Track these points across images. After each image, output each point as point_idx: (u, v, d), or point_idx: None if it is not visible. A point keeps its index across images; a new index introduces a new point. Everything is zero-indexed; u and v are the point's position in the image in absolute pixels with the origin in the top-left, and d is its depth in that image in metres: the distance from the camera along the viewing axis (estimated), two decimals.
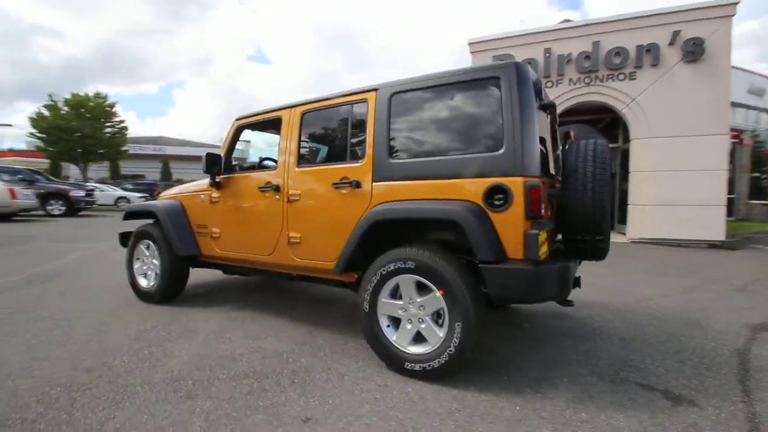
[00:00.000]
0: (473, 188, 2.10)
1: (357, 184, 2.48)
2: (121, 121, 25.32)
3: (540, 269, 1.94)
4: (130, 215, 4.01)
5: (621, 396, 2.09)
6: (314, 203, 2.71)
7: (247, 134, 3.45)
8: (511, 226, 2.01)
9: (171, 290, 3.67)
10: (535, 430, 1.78)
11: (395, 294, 2.34)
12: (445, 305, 2.12)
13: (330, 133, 2.81)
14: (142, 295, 3.75)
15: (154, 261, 3.72)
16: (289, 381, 2.21)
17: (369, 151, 2.47)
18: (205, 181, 3.63)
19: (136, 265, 3.87)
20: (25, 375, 2.23)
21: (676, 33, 7.22)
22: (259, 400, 2.00)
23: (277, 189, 2.88)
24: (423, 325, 2.23)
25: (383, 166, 2.41)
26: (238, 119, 3.34)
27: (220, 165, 3.23)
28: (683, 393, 2.12)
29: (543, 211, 2.02)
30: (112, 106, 24.74)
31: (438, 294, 2.14)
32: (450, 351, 2.09)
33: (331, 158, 2.77)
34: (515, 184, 1.99)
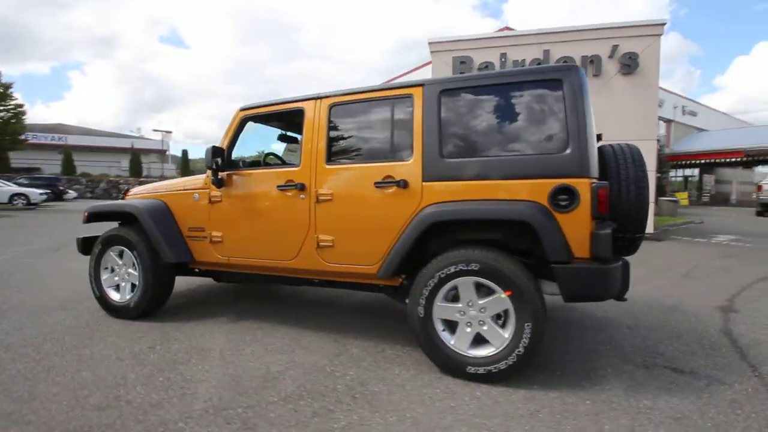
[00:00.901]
0: (538, 189, 2.11)
1: (404, 184, 2.36)
2: (19, 105, 21.47)
3: (610, 267, 2.02)
4: (95, 217, 3.40)
5: (662, 381, 2.26)
6: (352, 204, 2.53)
7: (249, 127, 3.10)
8: (577, 226, 2.05)
9: (154, 303, 3.19)
10: (614, 421, 1.85)
11: (449, 297, 2.27)
12: (512, 306, 2.11)
13: (364, 129, 2.63)
14: (115, 310, 3.21)
15: (131, 270, 3.20)
16: (350, 397, 2.04)
17: (418, 149, 2.37)
18: (196, 178, 3.21)
19: (105, 276, 3.30)
20: (17, 423, 1.76)
21: (615, 47, 8.10)
22: (332, 422, 1.81)
23: (301, 188, 2.63)
24: (484, 327, 2.20)
25: (435, 165, 2.32)
26: (243, 109, 2.99)
27: (224, 160, 2.87)
28: (708, 373, 2.37)
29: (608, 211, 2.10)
30: (7, 87, 20.82)
31: (504, 295, 2.13)
32: (519, 351, 2.09)
33: (365, 156, 2.60)
34: (582, 186, 2.04)
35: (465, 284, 2.21)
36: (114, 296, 3.26)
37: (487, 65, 8.67)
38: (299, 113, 2.77)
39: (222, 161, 2.85)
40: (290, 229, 2.70)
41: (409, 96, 2.44)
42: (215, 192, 2.96)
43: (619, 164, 2.35)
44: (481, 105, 2.31)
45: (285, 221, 2.71)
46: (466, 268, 2.17)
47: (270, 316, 3.30)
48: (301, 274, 2.79)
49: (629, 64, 8.06)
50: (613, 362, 2.50)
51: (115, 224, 3.48)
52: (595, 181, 2.07)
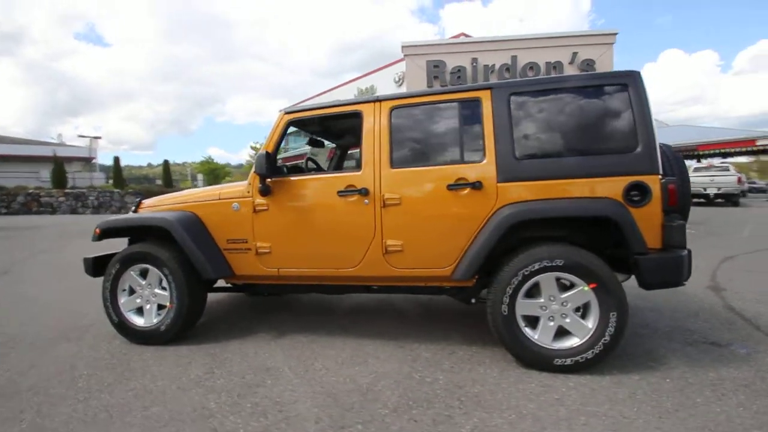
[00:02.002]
0: (612, 186, 2.26)
1: (479, 185, 2.40)
2: None
3: (685, 255, 2.21)
4: (110, 233, 3.03)
5: (712, 355, 2.52)
6: (423, 207, 2.51)
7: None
8: (650, 219, 2.23)
9: (188, 324, 2.92)
10: (700, 394, 2.04)
11: (529, 293, 2.35)
12: (596, 298, 2.24)
13: (429, 132, 2.62)
14: (141, 335, 2.89)
15: (157, 291, 2.90)
16: (457, 401, 2.03)
17: (491, 151, 2.42)
18: (234, 186, 3.00)
19: (123, 299, 2.95)
20: None
21: (575, 54, 8.83)
22: (457, 428, 1.80)
23: (365, 193, 2.57)
24: (567, 320, 2.31)
25: (509, 166, 2.38)
26: (287, 112, 2.84)
27: (271, 166, 2.71)
28: (742, 344, 2.67)
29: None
30: None
31: (587, 288, 2.24)
32: (605, 340, 2.22)
33: (432, 158, 2.59)
34: (654, 182, 2.22)
35: (547, 280, 2.30)
36: (137, 321, 2.93)
37: (459, 69, 9.01)
38: (355, 117, 2.70)
39: (270, 167, 2.69)
40: (353, 236, 2.62)
41: (477, 99, 2.48)
42: (261, 201, 2.78)
43: (670, 161, 2.57)
44: (550, 108, 2.41)
45: (347, 228, 2.63)
46: (550, 264, 2.26)
47: (310, 326, 3.16)
48: (363, 281, 2.72)
49: (587, 70, 8.82)
50: (662, 343, 2.73)
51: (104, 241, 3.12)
52: (664, 177, 2.26)
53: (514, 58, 8.64)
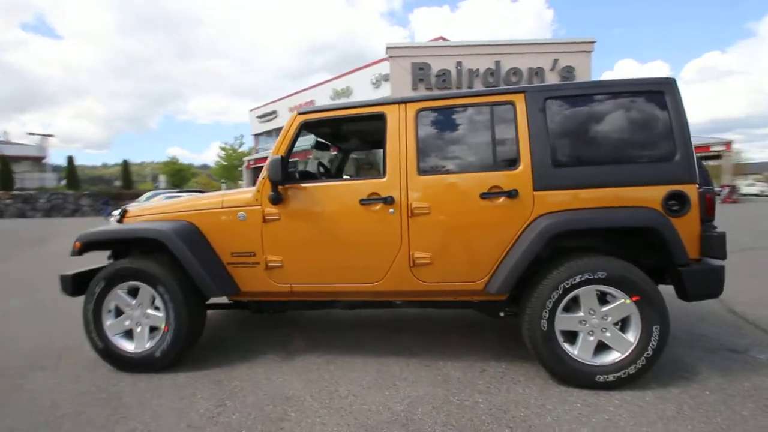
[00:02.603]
0: (651, 195, 2.19)
1: (515, 194, 2.27)
2: None
3: (723, 265, 2.18)
4: (92, 246, 2.66)
5: (737, 363, 2.51)
6: (454, 216, 2.35)
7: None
8: (688, 229, 2.18)
9: (186, 348, 2.61)
10: (743, 405, 2.00)
11: (567, 307, 2.25)
12: (638, 311, 2.16)
13: (459, 136, 2.47)
14: (131, 363, 2.56)
15: (150, 311, 2.58)
16: (506, 427, 1.88)
17: (526, 158, 2.30)
18: (239, 192, 2.74)
19: (109, 321, 2.60)
20: None
21: (556, 60, 9.03)
22: None
23: (390, 201, 2.38)
24: (608, 334, 2.22)
25: (545, 174, 2.27)
26: (301, 113, 2.60)
27: (286, 172, 2.47)
28: (760, 350, 2.70)
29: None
30: None
31: (629, 301, 2.16)
32: (648, 354, 2.14)
33: (462, 165, 2.44)
34: (692, 191, 2.18)
35: (587, 293, 2.20)
36: (126, 346, 2.58)
37: (444, 72, 8.98)
38: (377, 119, 2.50)
39: (284, 173, 2.44)
40: (377, 248, 2.42)
41: (510, 103, 2.36)
42: (271, 209, 2.53)
43: (701, 170, 2.55)
44: (586, 113, 2.32)
45: (370, 239, 2.42)
46: (592, 277, 2.16)
47: (320, 344, 2.92)
48: (387, 296, 2.52)
49: (567, 76, 9.04)
50: (685, 351, 2.71)
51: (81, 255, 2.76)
52: (701, 186, 2.22)
53: (497, 63, 8.73)
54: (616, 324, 2.23)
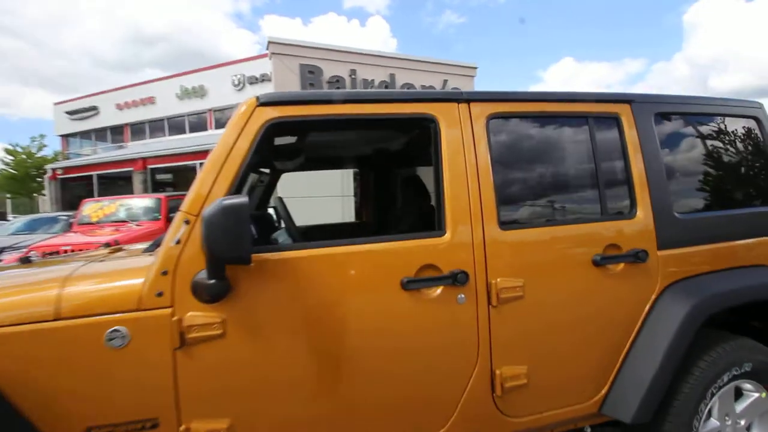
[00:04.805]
0: None
1: (643, 257, 1.47)
2: None
3: None
4: None
5: None
6: (561, 298, 1.40)
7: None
8: None
9: None
10: None
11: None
12: None
13: (546, 162, 1.52)
14: None
15: None
16: None
17: (644, 200, 1.52)
18: (107, 273, 1.21)
19: None
20: None
21: (445, 81, 9.05)
22: None
23: (460, 280, 1.28)
24: None
25: (669, 223, 1.54)
26: (267, 103, 1.24)
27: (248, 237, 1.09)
28: None
29: None
30: None
31: (765, 395, 1.59)
32: None
33: (555, 210, 1.50)
34: None
35: (727, 394, 1.55)
36: None
37: (337, 79, 7.99)
38: (419, 125, 1.39)
39: (245, 243, 1.06)
40: (437, 369, 1.29)
41: (614, 117, 1.56)
42: (203, 316, 1.11)
43: None
44: (701, 137, 1.70)
45: (424, 355, 1.27)
46: (738, 372, 1.52)
47: None
48: None
49: None
50: None
51: None
52: None
53: (392, 76, 8.26)
54: (748, 429, 1.64)
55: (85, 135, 22.09)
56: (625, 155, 1.54)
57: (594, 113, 1.54)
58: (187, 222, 1.13)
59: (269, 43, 7.50)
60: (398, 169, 2.54)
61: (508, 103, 1.44)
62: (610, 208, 1.52)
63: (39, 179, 22.27)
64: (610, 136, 1.56)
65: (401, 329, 1.27)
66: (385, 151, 2.27)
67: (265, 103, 1.23)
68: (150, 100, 18.29)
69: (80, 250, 5.17)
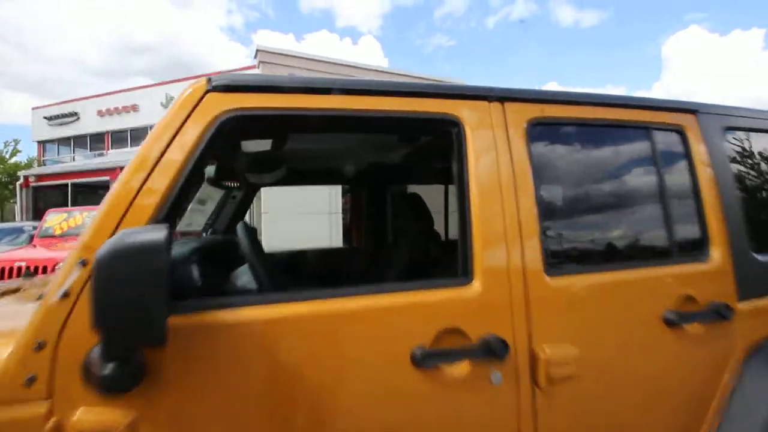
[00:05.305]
0: None
1: (725, 312, 1.11)
2: None
3: None
4: None
5: None
6: (625, 376, 1.03)
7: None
8: None
9: None
10: None
11: None
12: None
13: (601, 182, 1.17)
14: None
15: None
16: None
17: (719, 236, 1.18)
18: None
19: None
20: None
21: None
22: None
23: (499, 353, 0.89)
24: None
25: (747, 265, 1.20)
26: (222, 87, 0.86)
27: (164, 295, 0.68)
28: None
29: None
30: None
31: None
32: None
33: (608, 249, 1.14)
34: None
35: None
36: None
37: None
38: (437, 129, 1.05)
39: (165, 305, 0.66)
40: None
41: (677, 129, 1.22)
42: (106, 418, 0.71)
43: None
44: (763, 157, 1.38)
45: None
46: None
47: None
48: None
49: None
50: None
51: None
52: None
53: None
54: None
55: (63, 142, 21.27)
56: (693, 179, 1.20)
57: (655, 124, 1.21)
58: (83, 263, 0.73)
59: (257, 51, 7.18)
60: (400, 186, 2.17)
61: (553, 106, 1.09)
62: (680, 246, 1.17)
63: (11, 186, 21.28)
64: (674, 153, 1.22)
65: (412, 425, 0.87)
66: (387, 161, 1.89)
67: (220, 87, 0.85)
68: (134, 108, 17.72)
69: (36, 267, 4.63)
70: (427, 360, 0.85)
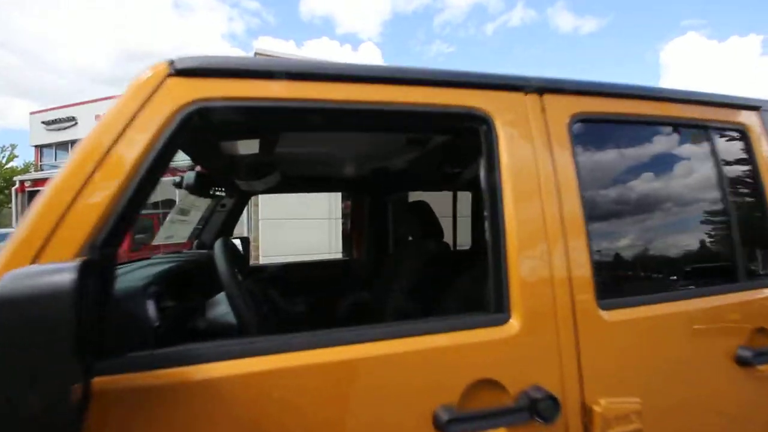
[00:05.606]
0: None
1: None
2: None
3: None
4: None
5: None
6: (690, 426, 0.83)
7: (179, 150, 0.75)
8: None
9: None
10: None
11: None
12: None
13: (649, 192, 0.98)
14: None
15: None
16: None
17: None
18: None
19: None
20: None
21: None
22: None
23: (538, 410, 0.69)
24: None
25: None
26: (188, 72, 0.67)
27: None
28: None
29: None
30: None
31: None
32: None
33: (666, 276, 0.95)
34: None
35: None
36: None
37: None
38: (459, 127, 0.85)
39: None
40: None
41: (739, 128, 1.04)
42: None
43: None
44: None
45: None
46: None
47: None
48: None
49: None
50: None
51: None
52: None
53: None
54: None
55: (61, 146, 21.07)
56: (758, 186, 1.01)
57: (716, 122, 1.02)
58: None
59: (255, 53, 7.04)
60: (406, 192, 1.97)
61: (601, 99, 0.90)
62: (748, 267, 0.98)
63: (7, 191, 21.09)
64: (736, 156, 1.04)
65: None
66: (395, 164, 1.68)
67: (185, 71, 0.66)
68: None
69: None
70: (454, 426, 0.65)
